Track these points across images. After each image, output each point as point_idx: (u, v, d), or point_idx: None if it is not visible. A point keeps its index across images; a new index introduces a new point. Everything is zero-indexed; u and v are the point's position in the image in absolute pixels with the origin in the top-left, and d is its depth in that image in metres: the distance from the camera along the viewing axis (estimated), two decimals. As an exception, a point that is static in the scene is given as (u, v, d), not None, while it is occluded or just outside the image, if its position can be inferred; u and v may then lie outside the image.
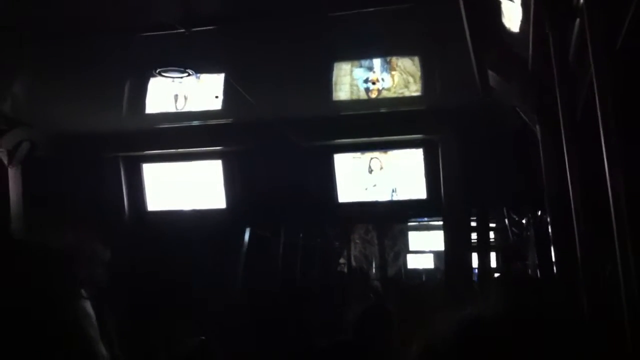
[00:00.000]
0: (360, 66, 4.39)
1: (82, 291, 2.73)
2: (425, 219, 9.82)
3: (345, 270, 10.01)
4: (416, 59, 4.26)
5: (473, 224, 6.06)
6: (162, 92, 4.80)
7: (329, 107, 5.11)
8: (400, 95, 4.70)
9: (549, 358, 0.81)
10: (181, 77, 4.31)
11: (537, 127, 2.98)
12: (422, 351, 0.89)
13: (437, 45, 3.86)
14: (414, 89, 4.64)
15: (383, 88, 4.57)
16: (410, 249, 11.80)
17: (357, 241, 11.46)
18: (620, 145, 1.38)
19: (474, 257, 5.84)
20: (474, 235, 6.00)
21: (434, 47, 3.94)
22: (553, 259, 3.09)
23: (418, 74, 4.41)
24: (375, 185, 5.78)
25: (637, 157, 1.47)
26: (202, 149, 6.05)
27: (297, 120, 5.26)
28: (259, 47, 3.94)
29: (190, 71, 4.21)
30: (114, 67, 4.24)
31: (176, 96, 4.87)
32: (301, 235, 7.45)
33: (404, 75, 4.40)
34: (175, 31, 3.49)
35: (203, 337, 4.08)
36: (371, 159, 5.78)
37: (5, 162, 5.49)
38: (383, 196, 5.77)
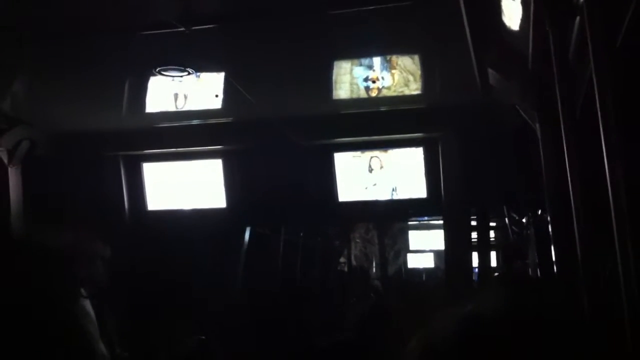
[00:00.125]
0: (360, 65, 4.39)
1: (82, 290, 2.72)
2: (426, 218, 9.83)
3: (346, 269, 10.02)
4: (416, 57, 4.26)
5: (473, 223, 6.06)
6: (162, 91, 4.80)
7: (329, 106, 5.11)
8: (400, 94, 4.70)
9: (549, 358, 0.81)
10: (181, 76, 4.31)
11: (537, 125, 2.98)
12: (422, 351, 0.89)
13: (437, 44, 3.86)
14: (414, 88, 4.63)
15: (383, 87, 4.56)
16: (411, 248, 11.81)
17: (358, 240, 11.46)
18: (620, 143, 1.38)
19: (474, 256, 5.84)
20: (474, 234, 6.00)
21: (434, 46, 3.94)
22: (553, 258, 3.09)
23: (418, 72, 4.41)
24: (375, 184, 5.77)
25: (637, 155, 1.47)
26: (202, 148, 6.04)
27: (297, 119, 5.26)
28: (258, 46, 3.94)
29: (190, 70, 4.20)
30: (113, 67, 4.23)
31: (176, 95, 4.87)
32: (301, 234, 7.45)
33: (404, 74, 4.40)
34: (175, 30, 3.49)
35: (202, 337, 4.09)
36: (371, 157, 5.77)
37: (5, 161, 5.49)
38: (383, 195, 5.77)
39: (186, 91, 4.80)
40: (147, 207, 6.25)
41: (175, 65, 4.14)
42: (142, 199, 6.26)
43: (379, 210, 5.98)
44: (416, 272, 11.74)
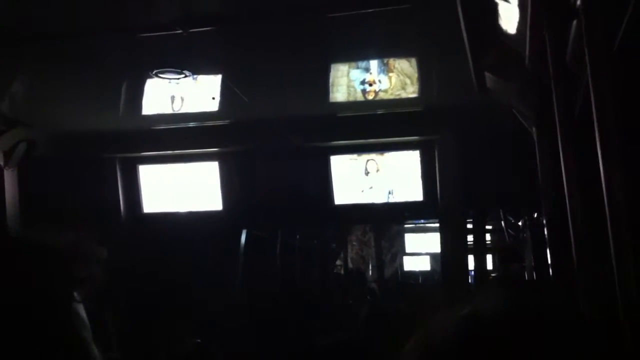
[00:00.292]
0: (357, 67, 4.39)
1: (75, 294, 2.71)
2: (422, 220, 9.84)
3: (342, 271, 10.03)
4: (413, 60, 4.26)
5: (470, 225, 6.07)
6: (158, 94, 4.79)
7: (325, 109, 5.11)
8: (397, 97, 4.70)
9: (549, 358, 0.81)
10: (178, 79, 4.30)
11: (534, 128, 2.99)
12: (421, 351, 0.89)
13: (435, 47, 3.86)
14: (411, 91, 4.64)
15: (380, 89, 4.56)
16: (407, 250, 11.83)
17: (354, 243, 11.47)
18: (617, 146, 1.39)
19: (471, 258, 5.85)
20: (470, 237, 6.01)
21: (431, 49, 3.94)
22: (549, 261, 3.10)
23: (415, 75, 4.41)
24: (371, 187, 5.77)
25: (634, 158, 1.47)
26: (199, 150, 6.04)
27: (294, 121, 5.26)
28: (256, 48, 3.93)
29: (187, 72, 4.20)
30: (110, 68, 4.22)
31: (173, 97, 4.86)
32: (298, 237, 7.45)
33: (401, 77, 4.40)
34: (172, 32, 3.49)
35: (198, 340, 4.08)
36: (367, 160, 5.77)
37: (2, 163, 5.48)
38: (379, 198, 5.77)
39: (183, 93, 4.79)
40: (142, 210, 6.24)
41: (172, 68, 4.14)
42: (138, 201, 6.24)
43: (376, 212, 5.98)
44: (413, 274, 11.76)
